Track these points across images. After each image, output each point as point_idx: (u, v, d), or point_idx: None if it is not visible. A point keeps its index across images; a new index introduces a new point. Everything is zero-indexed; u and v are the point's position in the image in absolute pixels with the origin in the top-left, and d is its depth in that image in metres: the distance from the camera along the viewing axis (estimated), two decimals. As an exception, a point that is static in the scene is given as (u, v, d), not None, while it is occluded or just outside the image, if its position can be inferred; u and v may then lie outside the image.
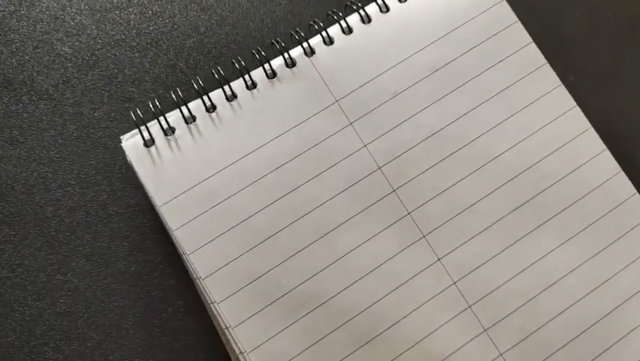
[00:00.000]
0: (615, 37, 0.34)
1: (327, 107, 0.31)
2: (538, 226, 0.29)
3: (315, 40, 0.31)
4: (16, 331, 0.28)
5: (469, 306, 0.28)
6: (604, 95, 0.33)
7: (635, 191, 0.30)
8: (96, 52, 0.32)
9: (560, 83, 0.31)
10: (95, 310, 0.28)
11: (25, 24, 0.31)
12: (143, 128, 0.29)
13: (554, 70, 0.31)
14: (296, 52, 0.31)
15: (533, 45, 0.31)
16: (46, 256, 0.29)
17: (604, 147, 0.30)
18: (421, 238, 0.29)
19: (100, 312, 0.28)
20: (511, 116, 0.31)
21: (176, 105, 0.30)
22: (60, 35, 0.31)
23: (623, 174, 0.30)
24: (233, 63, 0.31)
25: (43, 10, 0.32)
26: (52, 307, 0.28)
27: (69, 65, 0.31)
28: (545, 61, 0.31)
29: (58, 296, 0.28)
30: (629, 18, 0.34)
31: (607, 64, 0.34)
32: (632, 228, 0.30)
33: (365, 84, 0.31)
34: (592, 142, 0.30)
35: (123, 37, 0.32)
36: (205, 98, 0.30)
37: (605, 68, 0.34)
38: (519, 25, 0.31)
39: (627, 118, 0.33)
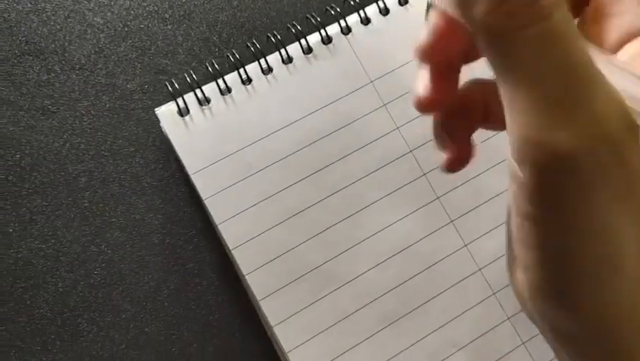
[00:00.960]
0: None
1: (361, 87, 0.30)
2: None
3: (352, 19, 0.30)
4: (48, 302, 0.27)
5: (494, 293, 0.28)
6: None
7: None
8: (128, 23, 0.30)
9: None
10: (129, 282, 0.28)
11: (59, -9, 0.30)
12: (179, 99, 0.28)
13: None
14: (333, 29, 0.30)
15: None
16: (79, 227, 0.28)
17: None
18: (448, 223, 0.29)
19: (134, 284, 0.28)
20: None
21: (212, 77, 0.29)
22: (92, 5, 0.30)
23: None
24: (269, 37, 0.30)
25: (77, -23, 0.30)
26: (86, 279, 0.27)
27: (101, 35, 0.30)
28: None
29: (92, 268, 0.28)
30: None
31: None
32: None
33: (400, 67, 0.30)
34: None
35: (156, 8, 0.30)
36: (241, 71, 0.29)
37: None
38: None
39: None
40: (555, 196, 0.13)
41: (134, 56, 0.30)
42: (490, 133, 0.29)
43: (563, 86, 0.13)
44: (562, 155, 0.13)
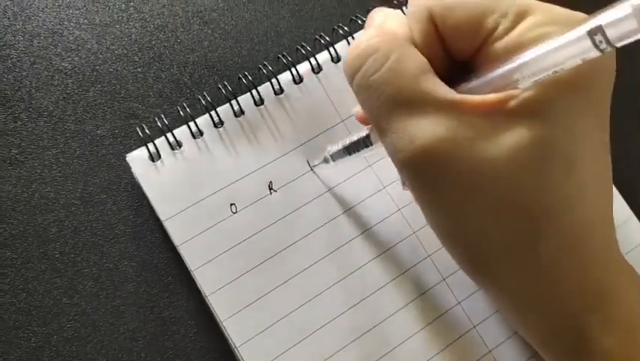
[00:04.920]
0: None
1: (333, 127, 0.27)
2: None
3: (323, 57, 0.27)
4: (21, 359, 0.24)
5: (474, 326, 0.26)
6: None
7: None
8: (97, 67, 0.27)
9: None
10: (104, 333, 0.25)
11: (22, 39, 0.26)
12: (150, 144, 0.25)
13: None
14: (303, 67, 0.27)
15: None
16: (50, 279, 0.25)
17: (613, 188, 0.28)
18: (426, 258, 0.26)
19: (109, 336, 0.25)
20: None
21: (183, 120, 0.26)
22: (59, 50, 0.27)
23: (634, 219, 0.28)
24: (240, 78, 0.27)
25: (40, 24, 0.27)
26: (59, 333, 0.24)
27: (69, 81, 0.27)
28: None
29: (65, 321, 0.24)
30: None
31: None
32: None
33: (372, 104, 0.27)
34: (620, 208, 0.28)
35: (125, 51, 0.27)
36: (212, 113, 0.26)
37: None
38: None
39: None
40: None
41: (103, 100, 0.27)
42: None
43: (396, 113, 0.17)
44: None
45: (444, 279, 0.26)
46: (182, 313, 0.25)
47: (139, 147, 0.26)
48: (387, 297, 0.26)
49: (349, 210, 0.26)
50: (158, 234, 0.26)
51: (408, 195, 0.27)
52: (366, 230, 0.26)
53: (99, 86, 0.27)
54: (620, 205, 0.28)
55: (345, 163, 0.25)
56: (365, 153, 0.23)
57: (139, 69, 0.27)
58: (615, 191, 0.28)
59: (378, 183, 0.27)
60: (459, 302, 0.26)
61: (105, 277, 0.25)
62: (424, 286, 0.26)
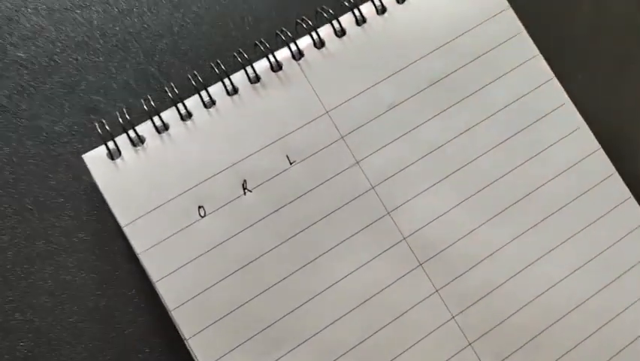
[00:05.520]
0: (621, 35, 0.28)
1: (315, 119, 0.24)
2: (543, 256, 0.24)
3: (304, 42, 0.24)
4: (-32, 381, 0.22)
5: (470, 344, 0.23)
6: (610, 93, 0.28)
7: None
8: (55, 56, 0.24)
9: (568, 99, 0.25)
10: (60, 353, 0.22)
11: (-34, 25, 0.24)
12: (109, 142, 0.22)
13: (561, 67, 0.25)
14: (282, 54, 0.24)
15: (540, 57, 0.25)
16: (1, 292, 0.22)
17: (613, 169, 0.25)
18: (417, 267, 0.23)
19: (66, 355, 0.22)
20: (516, 133, 0.24)
21: (148, 115, 0.23)
22: (14, 39, 0.24)
23: (633, 200, 0.24)
24: (212, 67, 0.24)
25: (-12, 9, 0.24)
26: (11, 352, 0.22)
27: (24, 72, 0.24)
28: (552, 75, 0.25)
29: (18, 339, 0.22)
30: (636, 15, 0.28)
31: (613, 62, 0.28)
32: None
33: (359, 94, 0.24)
34: (601, 164, 0.25)
35: (86, 39, 0.25)
36: (180, 105, 0.23)
37: (612, 66, 0.28)
38: (525, 34, 0.25)
39: (633, 117, 0.27)
40: None
41: (61, 93, 0.24)
42: (462, 162, 0.24)
43: None
44: None
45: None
46: (147, 330, 0.23)
47: (100, 145, 0.23)
48: (372, 313, 0.23)
49: (331, 213, 0.23)
50: (121, 242, 0.23)
51: (399, 201, 0.24)
52: (350, 236, 0.23)
53: (57, 77, 0.24)
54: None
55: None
56: None
57: (101, 58, 0.25)
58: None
59: (366, 182, 0.24)
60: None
61: (61, 291, 0.22)
62: (412, 300, 0.23)
